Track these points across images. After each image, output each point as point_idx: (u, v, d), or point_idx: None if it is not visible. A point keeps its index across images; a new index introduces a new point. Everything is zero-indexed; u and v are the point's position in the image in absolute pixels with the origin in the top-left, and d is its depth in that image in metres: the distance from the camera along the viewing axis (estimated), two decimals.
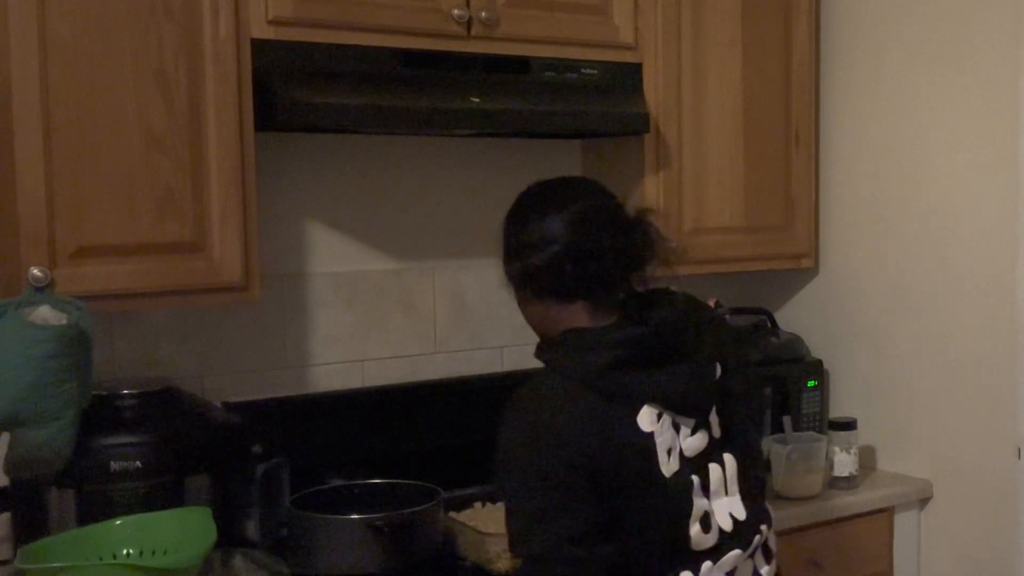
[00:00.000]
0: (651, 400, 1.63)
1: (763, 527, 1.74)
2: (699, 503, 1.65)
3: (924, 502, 2.69)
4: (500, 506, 2.32)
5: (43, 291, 1.85)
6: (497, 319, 2.76)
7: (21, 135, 1.88)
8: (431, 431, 2.58)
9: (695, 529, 1.64)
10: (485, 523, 2.19)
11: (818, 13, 2.87)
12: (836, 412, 2.83)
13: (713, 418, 1.70)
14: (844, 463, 2.63)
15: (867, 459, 2.76)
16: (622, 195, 2.66)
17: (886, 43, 2.74)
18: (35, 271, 1.87)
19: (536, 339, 1.81)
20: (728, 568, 1.67)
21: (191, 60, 2.01)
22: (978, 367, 2.57)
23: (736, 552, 1.67)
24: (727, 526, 1.68)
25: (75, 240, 1.93)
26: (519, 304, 1.81)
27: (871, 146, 2.79)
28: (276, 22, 2.11)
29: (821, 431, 2.75)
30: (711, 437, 1.69)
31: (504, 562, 2.04)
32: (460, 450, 2.61)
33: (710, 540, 1.65)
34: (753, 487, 1.76)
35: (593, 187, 1.81)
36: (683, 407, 1.66)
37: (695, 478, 1.65)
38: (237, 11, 2.06)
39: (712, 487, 1.68)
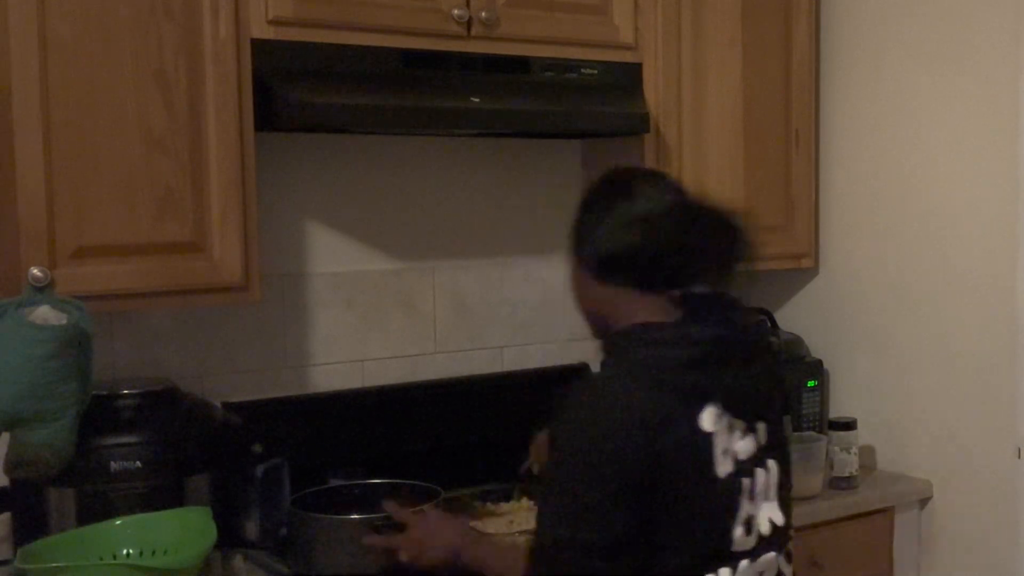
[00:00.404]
0: (716, 400, 1.61)
1: (791, 532, 1.76)
2: (746, 506, 1.65)
3: (924, 502, 2.69)
4: (500, 506, 2.33)
5: (43, 291, 1.85)
6: (497, 319, 2.76)
7: (21, 135, 1.88)
8: (431, 431, 2.58)
9: (739, 531, 1.64)
10: (485, 523, 2.19)
11: (818, 13, 2.87)
12: (836, 412, 2.83)
13: (760, 424, 1.71)
14: (844, 463, 2.63)
15: (867, 459, 2.76)
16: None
17: (886, 43, 2.74)
18: (35, 271, 1.87)
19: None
20: (762, 569, 1.68)
21: (191, 60, 2.01)
22: (978, 367, 2.57)
23: (772, 555, 1.69)
24: (766, 531, 1.68)
25: (75, 240, 1.93)
26: (579, 286, 1.76)
27: (871, 146, 2.79)
28: (276, 22, 2.11)
29: (821, 431, 2.75)
30: (758, 442, 1.69)
31: None
32: (460, 450, 2.61)
33: (750, 543, 1.66)
34: (788, 495, 1.77)
35: (676, 183, 1.79)
36: (742, 410, 1.65)
37: (745, 481, 1.65)
38: (237, 11, 2.06)
39: (757, 491, 1.68)
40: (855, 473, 2.64)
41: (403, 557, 1.94)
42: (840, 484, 2.62)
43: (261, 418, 2.33)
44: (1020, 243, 2.47)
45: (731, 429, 1.63)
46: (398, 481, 2.23)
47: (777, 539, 1.70)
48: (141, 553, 1.86)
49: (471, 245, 2.73)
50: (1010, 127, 2.48)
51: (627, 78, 2.55)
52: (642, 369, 1.61)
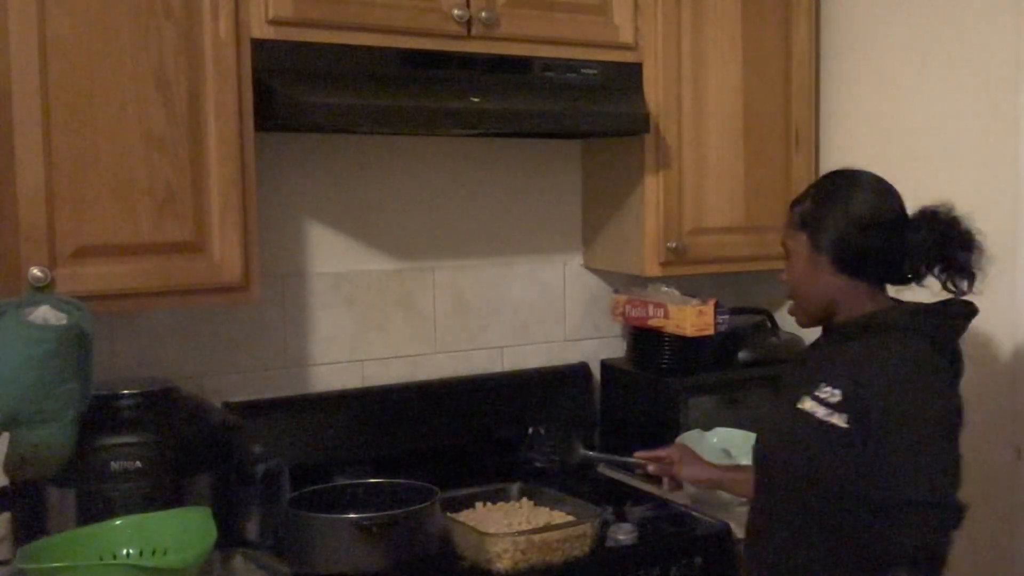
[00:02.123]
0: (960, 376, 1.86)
1: None
2: None
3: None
4: (500, 506, 2.33)
5: (43, 291, 1.85)
6: (497, 319, 2.76)
7: (21, 135, 1.88)
8: (431, 431, 2.58)
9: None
10: (485, 523, 2.19)
11: (818, 13, 2.87)
12: None
13: None
14: None
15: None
16: (621, 195, 2.70)
17: (886, 43, 2.74)
18: (35, 271, 1.87)
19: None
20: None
21: (191, 60, 2.01)
22: (978, 367, 2.56)
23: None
24: None
25: (75, 240, 1.93)
26: (812, 276, 1.92)
27: (871, 146, 2.79)
28: (276, 22, 2.11)
29: None
30: None
31: (504, 562, 2.04)
32: (460, 450, 2.61)
33: None
34: None
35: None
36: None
37: None
38: (237, 11, 2.06)
39: None
40: None
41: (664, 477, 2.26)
42: None
43: (261, 418, 2.33)
44: (1020, 243, 2.47)
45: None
46: (398, 481, 2.23)
47: None
48: (141, 553, 1.86)
49: (471, 245, 2.73)
50: (1010, 127, 2.47)
51: (627, 78, 2.55)
52: (935, 341, 1.80)
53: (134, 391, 2.03)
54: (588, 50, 2.48)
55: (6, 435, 1.84)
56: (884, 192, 1.93)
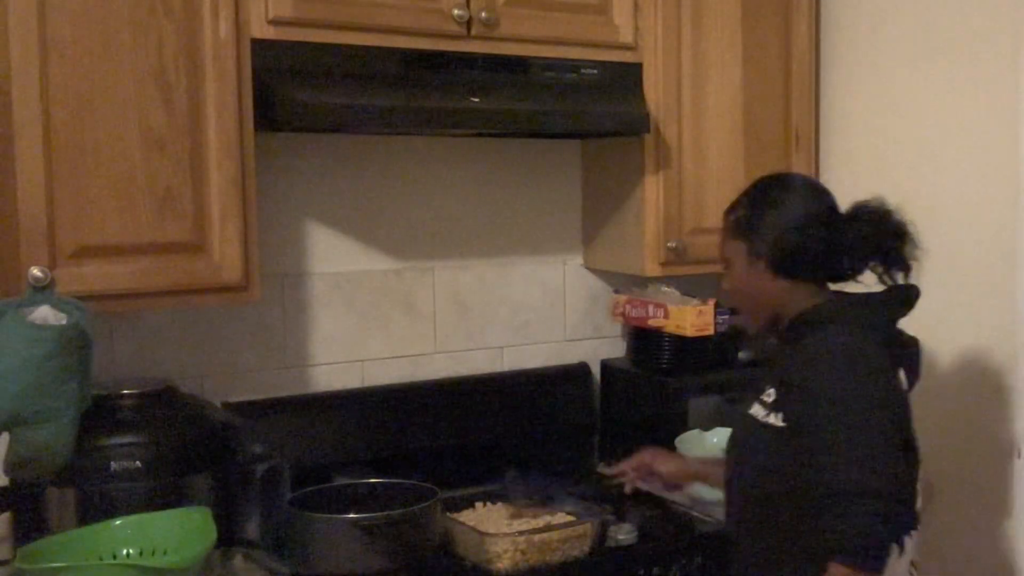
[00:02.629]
0: (903, 365, 1.86)
1: None
2: None
3: (924, 502, 2.67)
4: (500, 506, 2.33)
5: (43, 291, 1.85)
6: (497, 319, 2.76)
7: (21, 135, 1.88)
8: (431, 431, 2.58)
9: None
10: (485, 523, 2.19)
11: (818, 13, 2.87)
12: None
13: None
14: None
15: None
16: (621, 195, 2.70)
17: (886, 43, 2.74)
18: (35, 271, 1.87)
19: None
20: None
21: (191, 60, 2.01)
22: (978, 367, 2.56)
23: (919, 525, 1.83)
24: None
25: (75, 240, 1.93)
26: (753, 282, 1.92)
27: (871, 146, 2.79)
28: (276, 22, 2.11)
29: None
30: None
31: (504, 562, 2.04)
32: (460, 450, 2.61)
33: None
34: None
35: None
36: (908, 381, 1.88)
37: None
38: (237, 11, 2.06)
39: None
40: None
41: (637, 472, 2.26)
42: None
43: (261, 418, 2.33)
44: (1020, 242, 2.47)
45: None
46: (398, 481, 2.23)
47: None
48: (141, 553, 1.86)
49: (471, 245, 2.73)
50: (1010, 127, 2.47)
51: (627, 78, 2.55)
52: (870, 330, 1.80)
53: (134, 391, 2.03)
54: (588, 50, 2.48)
55: (6, 435, 1.84)
56: (816, 193, 1.93)
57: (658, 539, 2.23)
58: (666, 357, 2.73)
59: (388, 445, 2.50)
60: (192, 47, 2.01)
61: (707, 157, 2.67)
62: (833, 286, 1.94)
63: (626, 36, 2.54)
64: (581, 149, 2.86)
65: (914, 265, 1.88)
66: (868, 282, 1.92)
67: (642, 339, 2.80)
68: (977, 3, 2.53)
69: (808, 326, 1.84)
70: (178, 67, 2.00)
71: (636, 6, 2.54)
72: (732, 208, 1.96)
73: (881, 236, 1.86)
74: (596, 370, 2.88)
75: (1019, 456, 2.49)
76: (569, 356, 2.87)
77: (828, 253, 1.87)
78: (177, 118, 2.01)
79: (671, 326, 2.66)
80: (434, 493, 2.12)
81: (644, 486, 2.30)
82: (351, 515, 2.02)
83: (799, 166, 2.83)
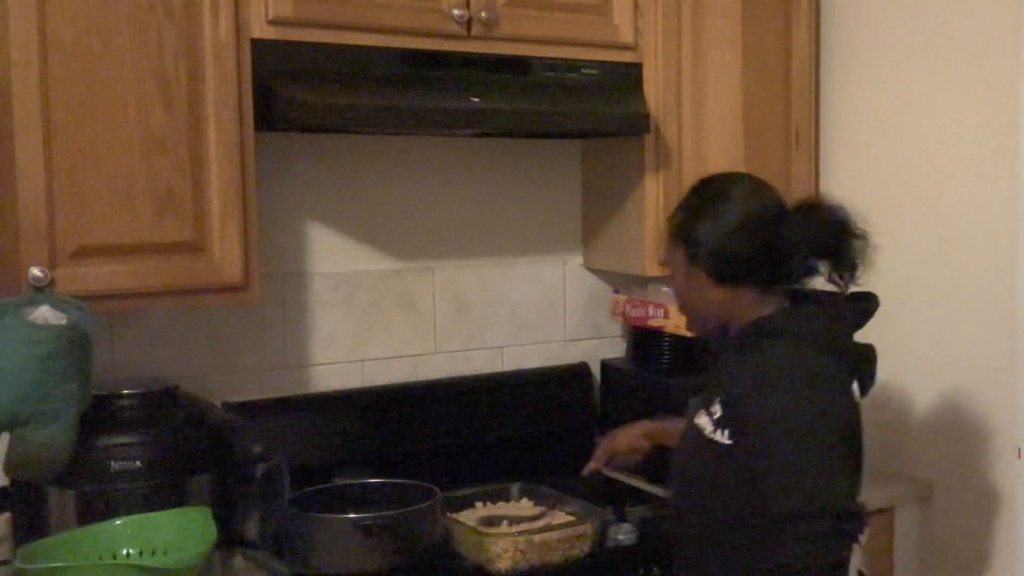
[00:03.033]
0: (857, 373, 1.78)
1: None
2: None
3: (924, 502, 2.69)
4: (500, 506, 2.33)
5: (43, 291, 1.85)
6: (497, 319, 2.76)
7: (21, 135, 1.88)
8: (431, 431, 2.58)
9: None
10: (485, 523, 2.19)
11: (818, 13, 2.87)
12: None
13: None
14: None
15: (867, 459, 2.75)
16: (621, 195, 2.70)
17: (886, 43, 2.74)
18: (35, 271, 1.87)
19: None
20: (864, 541, 1.76)
21: (191, 60, 2.01)
22: (978, 367, 2.57)
23: (866, 529, 1.77)
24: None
25: (75, 240, 1.93)
26: (693, 290, 1.85)
27: (871, 146, 2.79)
28: (276, 22, 2.11)
29: None
30: None
31: (504, 562, 2.04)
32: (460, 450, 2.61)
33: None
34: None
35: (771, 185, 1.89)
36: (862, 388, 1.80)
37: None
38: (237, 11, 2.06)
39: None
40: None
41: (599, 455, 2.26)
42: None
43: (261, 418, 2.33)
44: (1020, 242, 2.47)
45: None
46: (398, 481, 2.23)
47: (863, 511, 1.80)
48: (141, 553, 1.86)
49: (471, 245, 2.73)
50: (1010, 127, 2.47)
51: (627, 78, 2.55)
52: (819, 343, 1.73)
53: (134, 391, 2.03)
54: (588, 50, 2.48)
55: (6, 435, 1.84)
56: (756, 193, 1.83)
57: (658, 539, 2.23)
58: (666, 357, 2.73)
59: (388, 445, 2.50)
60: (192, 47, 2.01)
61: (707, 157, 2.67)
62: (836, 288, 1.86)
63: (626, 36, 2.54)
64: (581, 149, 2.86)
65: (866, 266, 1.77)
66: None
67: (642, 339, 2.80)
68: (977, 3, 2.53)
69: (756, 338, 1.78)
70: (178, 67, 2.00)
71: (636, 6, 2.54)
72: (674, 212, 1.89)
73: (823, 234, 1.76)
74: (596, 370, 2.88)
75: (1019, 456, 2.50)
76: (569, 356, 2.87)
77: (769, 256, 1.78)
78: (177, 118, 2.00)
79: (671, 326, 2.66)
80: (434, 493, 2.12)
81: (610, 472, 2.33)
82: (351, 515, 2.03)
83: (799, 166, 2.83)
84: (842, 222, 1.77)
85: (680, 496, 1.88)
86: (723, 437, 1.74)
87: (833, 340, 1.76)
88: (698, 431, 1.80)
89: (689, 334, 2.61)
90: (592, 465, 2.28)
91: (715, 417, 1.77)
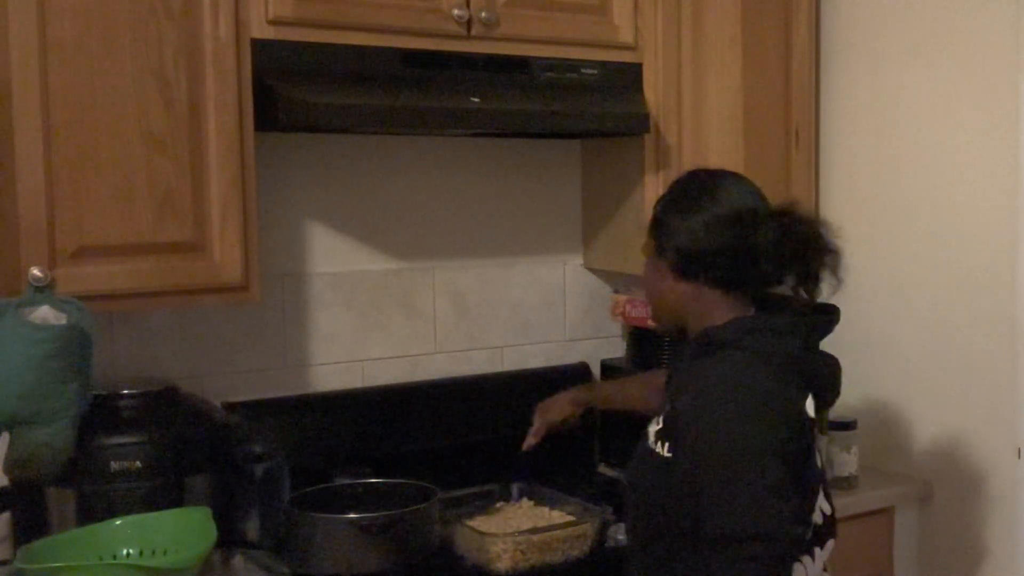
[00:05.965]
0: (814, 388, 1.72)
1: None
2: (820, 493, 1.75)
3: (924, 502, 2.69)
4: (500, 506, 2.33)
5: (43, 291, 1.85)
6: (497, 319, 2.76)
7: (21, 135, 1.88)
8: (431, 431, 2.58)
9: (817, 516, 1.71)
10: (485, 523, 2.19)
11: (818, 13, 2.87)
12: (836, 412, 2.83)
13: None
14: (844, 463, 2.63)
15: (867, 459, 2.76)
16: (621, 195, 2.70)
17: (886, 43, 2.74)
18: (35, 271, 1.86)
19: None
20: (827, 555, 1.75)
21: (191, 60, 2.01)
22: (978, 367, 2.57)
23: (831, 541, 1.76)
24: (819, 519, 1.74)
25: (75, 240, 1.93)
26: (657, 281, 1.83)
27: (871, 146, 2.79)
28: (276, 22, 2.11)
29: (821, 431, 2.75)
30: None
31: (504, 562, 2.04)
32: (460, 450, 2.61)
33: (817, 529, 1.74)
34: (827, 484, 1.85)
35: (757, 187, 1.83)
36: (823, 401, 1.75)
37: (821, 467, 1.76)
38: (237, 11, 2.06)
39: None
40: (855, 473, 2.64)
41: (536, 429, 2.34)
42: (840, 484, 2.62)
43: (261, 418, 2.33)
44: (1020, 242, 2.47)
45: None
46: (398, 481, 2.23)
47: (831, 526, 1.78)
48: (141, 553, 1.86)
49: (471, 245, 2.73)
50: (1010, 127, 2.48)
51: (627, 78, 2.55)
52: (771, 358, 1.67)
53: (134, 391, 2.03)
54: (588, 50, 2.48)
55: (6, 435, 1.84)
56: (734, 193, 1.77)
57: None
58: (666, 357, 2.73)
59: (388, 445, 2.50)
60: (192, 47, 2.01)
61: (707, 157, 2.67)
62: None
63: (626, 36, 2.54)
64: (581, 149, 2.86)
65: (834, 280, 1.73)
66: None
67: (642, 339, 2.80)
68: (977, 3, 2.53)
69: (707, 348, 1.72)
70: (178, 67, 2.00)
71: (636, 6, 2.54)
72: (656, 200, 1.87)
73: (788, 244, 1.70)
74: (596, 370, 2.88)
75: (1019, 456, 2.50)
76: (569, 356, 2.87)
77: (731, 258, 1.73)
78: (177, 118, 2.00)
79: None
80: (434, 493, 2.12)
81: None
82: (351, 515, 2.03)
83: (799, 166, 2.83)
84: (809, 234, 1.72)
85: (631, 506, 1.82)
86: (663, 450, 1.69)
87: (786, 356, 1.69)
88: (645, 440, 1.76)
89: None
90: (531, 440, 2.35)
91: (656, 429, 1.73)
